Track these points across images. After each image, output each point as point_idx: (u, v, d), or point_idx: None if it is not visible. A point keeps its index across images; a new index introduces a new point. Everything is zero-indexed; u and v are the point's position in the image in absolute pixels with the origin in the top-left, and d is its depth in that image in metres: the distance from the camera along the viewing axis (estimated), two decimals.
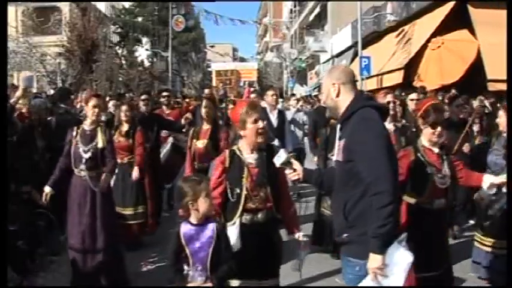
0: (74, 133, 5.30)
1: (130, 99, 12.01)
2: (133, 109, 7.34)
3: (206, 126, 6.36)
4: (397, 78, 17.16)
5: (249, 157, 3.63)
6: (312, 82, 38.71)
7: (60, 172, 5.31)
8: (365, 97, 3.33)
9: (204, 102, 6.56)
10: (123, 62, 32.12)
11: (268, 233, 3.67)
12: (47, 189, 5.22)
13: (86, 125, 5.36)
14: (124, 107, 6.99)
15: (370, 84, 18.53)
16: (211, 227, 3.29)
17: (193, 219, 3.29)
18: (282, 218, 3.73)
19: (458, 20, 15.65)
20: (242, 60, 67.59)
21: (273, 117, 8.04)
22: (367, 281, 2.89)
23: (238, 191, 3.56)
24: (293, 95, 19.89)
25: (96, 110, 5.34)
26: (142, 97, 8.13)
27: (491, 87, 14.20)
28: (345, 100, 3.16)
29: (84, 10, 24.34)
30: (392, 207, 2.80)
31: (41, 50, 23.91)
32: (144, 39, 42.27)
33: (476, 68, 14.37)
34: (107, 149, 5.36)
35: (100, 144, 5.29)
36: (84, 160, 5.23)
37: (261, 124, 3.57)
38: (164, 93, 9.63)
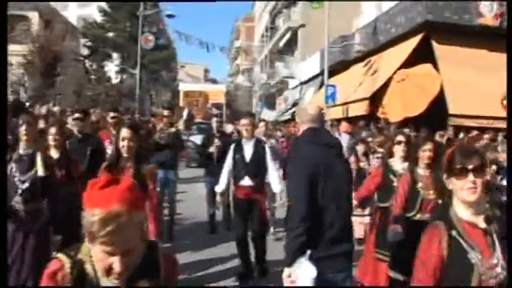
0: (8, 157, 4.39)
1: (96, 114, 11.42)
2: (65, 131, 6.13)
3: None
4: (362, 108, 17.30)
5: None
6: (280, 107, 38.83)
7: None
8: (309, 135, 3.68)
9: None
10: (92, 76, 31.59)
11: None
12: None
13: (21, 149, 4.51)
14: (52, 130, 5.42)
15: (336, 113, 18.60)
16: None
17: None
18: None
19: (423, 54, 15.95)
20: (214, 81, 67.61)
21: (249, 150, 6.32)
22: None
23: None
24: (263, 120, 19.57)
25: (27, 128, 4.48)
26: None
27: (452, 122, 14.54)
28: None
29: (47, 22, 23.86)
30: (298, 241, 3.32)
31: None
32: (114, 55, 41.77)
33: (439, 102, 14.61)
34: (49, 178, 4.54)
35: (40, 172, 4.47)
36: (19, 191, 4.38)
37: (117, 267, 1.62)
38: (112, 114, 7.98)
